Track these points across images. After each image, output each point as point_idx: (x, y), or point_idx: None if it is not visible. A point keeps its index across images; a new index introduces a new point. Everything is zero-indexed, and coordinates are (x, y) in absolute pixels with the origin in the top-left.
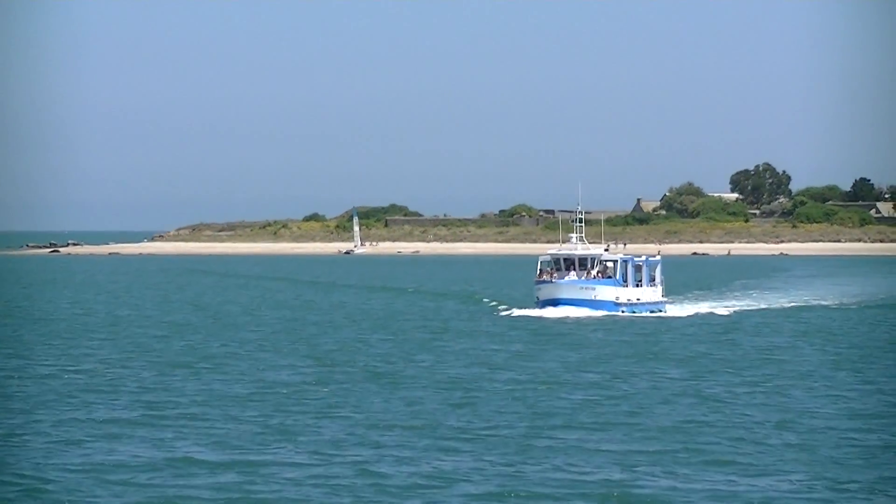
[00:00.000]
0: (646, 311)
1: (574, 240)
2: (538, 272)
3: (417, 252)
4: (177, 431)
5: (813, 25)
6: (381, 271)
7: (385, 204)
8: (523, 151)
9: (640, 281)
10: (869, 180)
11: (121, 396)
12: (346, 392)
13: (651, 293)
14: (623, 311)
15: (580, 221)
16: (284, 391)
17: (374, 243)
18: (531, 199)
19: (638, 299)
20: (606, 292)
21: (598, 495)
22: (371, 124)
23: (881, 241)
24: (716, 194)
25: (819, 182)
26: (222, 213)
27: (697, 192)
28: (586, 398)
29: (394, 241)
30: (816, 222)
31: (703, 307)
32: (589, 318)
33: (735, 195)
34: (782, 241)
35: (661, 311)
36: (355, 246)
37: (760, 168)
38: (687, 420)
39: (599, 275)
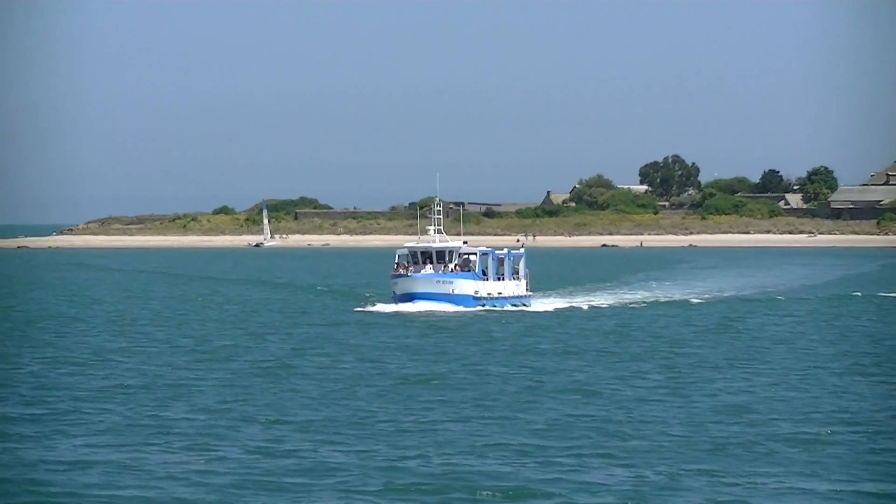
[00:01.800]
0: (508, 306)
1: (432, 232)
2: (395, 266)
3: (328, 245)
4: None
5: (719, 17)
6: (276, 264)
7: (295, 197)
8: (433, 144)
9: (503, 275)
10: (778, 172)
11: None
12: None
13: (514, 287)
14: (483, 306)
15: (438, 214)
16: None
17: (284, 236)
18: (441, 192)
19: (499, 293)
20: (465, 286)
21: (471, 487)
22: (280, 118)
23: (790, 233)
24: (625, 186)
25: (728, 174)
26: (132, 208)
27: (607, 185)
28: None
29: (304, 234)
30: (726, 214)
31: (573, 301)
32: (434, 312)
33: (644, 187)
34: (691, 233)
35: (524, 305)
36: (265, 239)
37: (669, 160)
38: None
39: (458, 268)
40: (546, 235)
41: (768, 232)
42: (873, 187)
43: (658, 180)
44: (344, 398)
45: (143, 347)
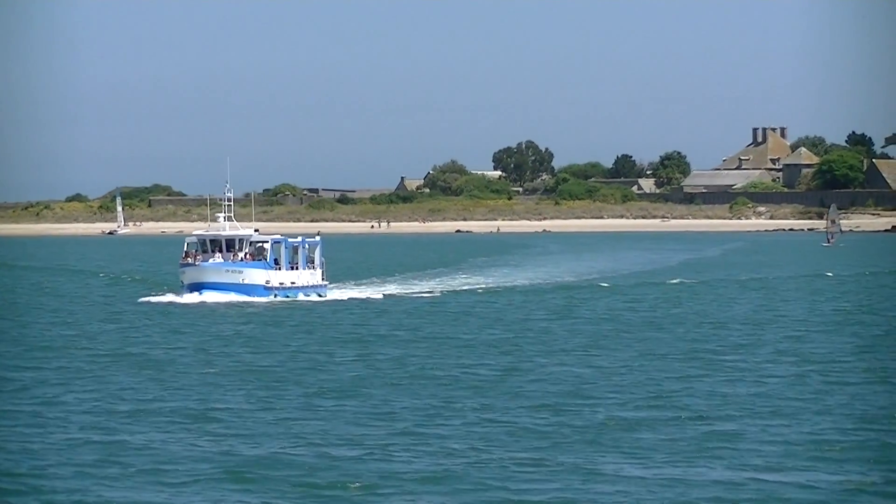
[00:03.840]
0: (301, 295)
1: (222, 220)
2: (183, 255)
3: (181, 232)
4: None
5: (567, 3)
6: (114, 252)
7: (149, 184)
8: (286, 131)
9: (297, 263)
10: (631, 157)
11: None
12: None
13: (308, 276)
14: (276, 296)
15: (229, 201)
16: None
17: (138, 223)
18: (295, 178)
19: (293, 283)
20: (256, 276)
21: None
22: (131, 105)
23: (643, 218)
24: (479, 172)
25: (582, 159)
26: None
27: (461, 171)
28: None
29: (157, 221)
30: (579, 199)
31: (371, 291)
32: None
33: (498, 173)
34: (545, 219)
35: (319, 294)
36: (118, 226)
37: (523, 146)
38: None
39: (250, 257)
40: (400, 221)
41: (622, 217)
42: (725, 172)
43: (512, 166)
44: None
45: None
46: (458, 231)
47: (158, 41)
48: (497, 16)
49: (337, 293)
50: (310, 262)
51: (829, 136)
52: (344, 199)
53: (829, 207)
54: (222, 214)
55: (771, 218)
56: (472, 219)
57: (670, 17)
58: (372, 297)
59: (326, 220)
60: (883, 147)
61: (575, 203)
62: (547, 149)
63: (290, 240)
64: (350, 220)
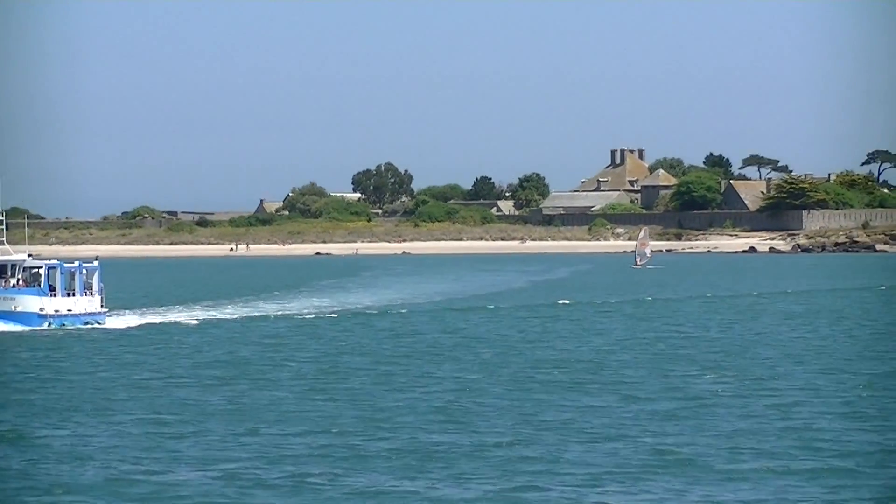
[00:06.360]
0: (79, 324)
1: None
2: None
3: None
4: None
5: (427, 27)
6: None
7: (7, 207)
8: (145, 152)
9: (74, 290)
10: (490, 179)
11: None
12: None
13: (86, 303)
14: (50, 324)
15: (0, 224)
16: None
17: None
18: (154, 201)
19: (69, 310)
20: (29, 303)
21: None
22: None
23: (503, 239)
24: (339, 194)
25: (441, 181)
26: None
27: (320, 193)
28: None
29: (14, 244)
30: (438, 221)
31: (155, 318)
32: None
33: (358, 195)
34: (405, 240)
35: (98, 322)
36: None
37: (382, 168)
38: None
39: (23, 283)
40: (260, 244)
41: (481, 239)
42: (584, 193)
43: (371, 188)
44: None
45: None
46: (317, 253)
47: (10, 54)
48: (356, 37)
49: (118, 321)
50: (88, 288)
51: (687, 158)
52: (203, 222)
53: (641, 231)
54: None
55: (629, 239)
56: (331, 241)
57: (527, 38)
58: (153, 323)
59: (185, 243)
60: (741, 168)
61: (434, 225)
62: (406, 171)
63: (66, 265)
64: (209, 243)
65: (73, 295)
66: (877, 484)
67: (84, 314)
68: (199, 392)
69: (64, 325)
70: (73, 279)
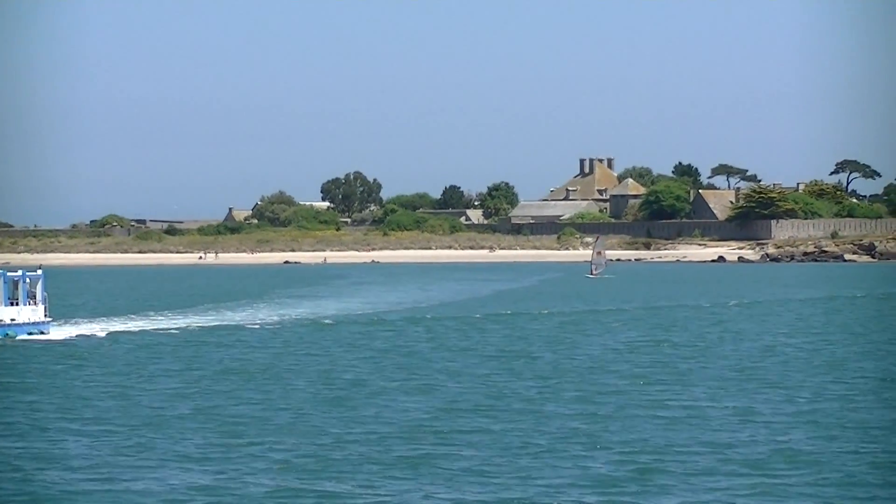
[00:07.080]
0: (23, 334)
1: None
2: None
3: (8, 263)
4: None
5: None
6: None
7: None
8: (113, 161)
9: (17, 299)
10: (459, 188)
11: None
12: None
13: (30, 313)
14: None
15: None
16: None
17: None
18: (123, 210)
19: (12, 320)
20: None
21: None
22: None
23: (471, 248)
24: (307, 203)
25: (409, 190)
26: None
27: (289, 201)
28: None
29: None
30: (407, 230)
31: (98, 328)
32: None
33: (326, 204)
34: (374, 249)
35: (42, 332)
36: None
37: (351, 177)
38: None
39: None
40: (229, 252)
41: (450, 247)
42: (553, 202)
43: (340, 196)
44: None
45: None
46: (286, 262)
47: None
48: (322, 46)
49: (61, 331)
50: (31, 297)
51: (656, 167)
52: (171, 231)
53: (596, 239)
54: None
55: None
56: (300, 249)
57: (495, 47)
58: (97, 334)
59: (154, 252)
60: (709, 177)
61: (403, 233)
62: (375, 179)
63: (9, 273)
64: (178, 252)
65: (17, 304)
66: None
67: (27, 324)
68: (124, 403)
69: (7, 335)
70: (17, 288)
